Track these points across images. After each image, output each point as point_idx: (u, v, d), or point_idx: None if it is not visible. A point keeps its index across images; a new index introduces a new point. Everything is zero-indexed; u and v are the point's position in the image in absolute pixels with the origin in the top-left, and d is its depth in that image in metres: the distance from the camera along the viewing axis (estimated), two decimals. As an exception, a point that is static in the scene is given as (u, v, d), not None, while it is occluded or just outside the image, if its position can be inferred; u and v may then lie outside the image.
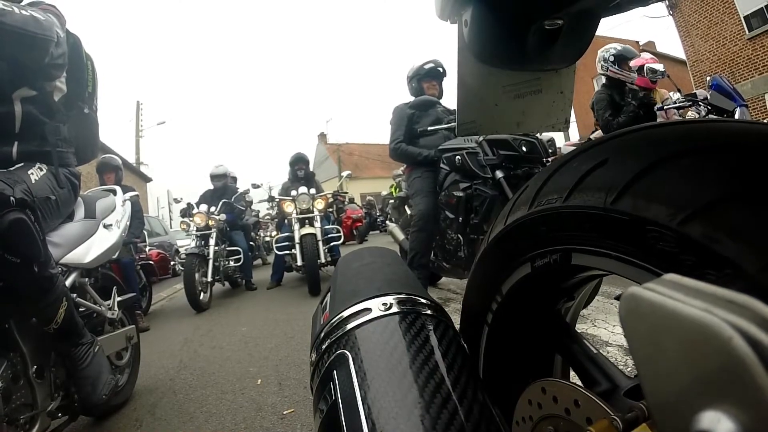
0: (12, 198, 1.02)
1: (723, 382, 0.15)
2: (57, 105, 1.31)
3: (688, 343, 0.16)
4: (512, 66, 0.51)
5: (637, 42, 16.34)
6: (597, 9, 0.45)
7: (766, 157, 0.29)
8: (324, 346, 0.45)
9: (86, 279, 1.51)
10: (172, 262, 7.56)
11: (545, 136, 2.18)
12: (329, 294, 0.57)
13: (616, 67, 3.03)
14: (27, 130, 1.20)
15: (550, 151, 2.05)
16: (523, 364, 0.55)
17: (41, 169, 1.22)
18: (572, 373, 0.55)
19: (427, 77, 2.71)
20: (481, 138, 2.18)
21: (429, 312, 0.45)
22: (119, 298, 1.68)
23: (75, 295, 1.42)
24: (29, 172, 1.17)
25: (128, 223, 1.85)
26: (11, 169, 1.14)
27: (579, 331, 0.53)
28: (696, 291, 0.17)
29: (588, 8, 0.44)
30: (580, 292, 0.54)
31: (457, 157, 2.22)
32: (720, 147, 0.31)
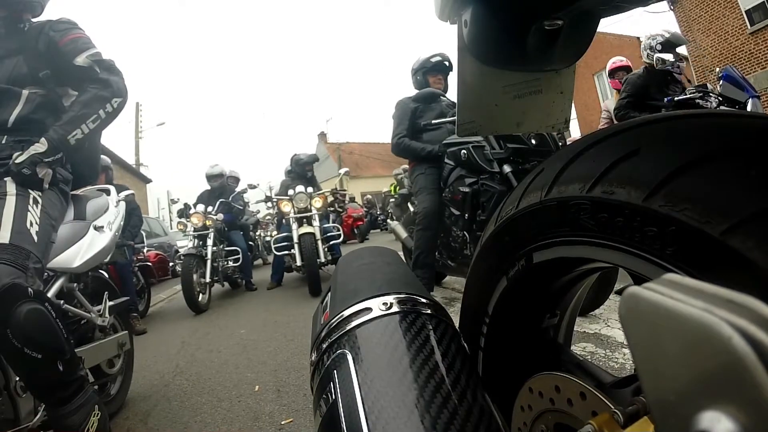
0: (30, 290, 0.97)
1: (723, 382, 0.14)
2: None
3: (688, 342, 0.16)
4: (512, 66, 0.51)
5: (638, 38, 16.20)
6: (597, 9, 0.45)
7: (718, 137, 0.31)
8: (324, 346, 0.44)
9: (75, 284, 1.43)
10: (171, 263, 7.50)
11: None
12: (330, 293, 0.56)
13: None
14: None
15: (560, 144, 1.97)
16: (520, 375, 0.54)
17: (37, 201, 1.15)
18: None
19: (433, 71, 2.61)
20: None
21: (429, 312, 0.45)
22: (111, 303, 1.60)
23: (62, 301, 1.34)
24: (28, 227, 1.08)
25: (122, 223, 1.77)
26: (12, 242, 1.04)
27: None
28: (696, 291, 0.17)
29: (588, 8, 0.44)
30: (564, 305, 0.55)
31: (463, 151, 2.13)
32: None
